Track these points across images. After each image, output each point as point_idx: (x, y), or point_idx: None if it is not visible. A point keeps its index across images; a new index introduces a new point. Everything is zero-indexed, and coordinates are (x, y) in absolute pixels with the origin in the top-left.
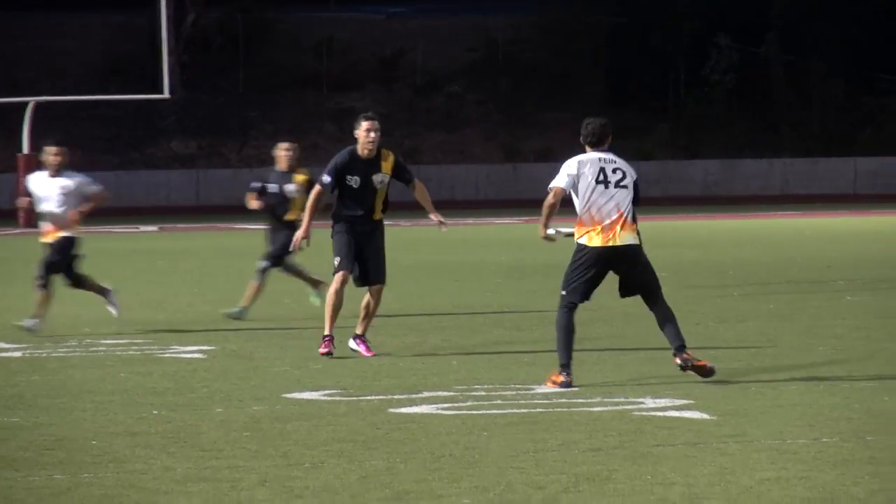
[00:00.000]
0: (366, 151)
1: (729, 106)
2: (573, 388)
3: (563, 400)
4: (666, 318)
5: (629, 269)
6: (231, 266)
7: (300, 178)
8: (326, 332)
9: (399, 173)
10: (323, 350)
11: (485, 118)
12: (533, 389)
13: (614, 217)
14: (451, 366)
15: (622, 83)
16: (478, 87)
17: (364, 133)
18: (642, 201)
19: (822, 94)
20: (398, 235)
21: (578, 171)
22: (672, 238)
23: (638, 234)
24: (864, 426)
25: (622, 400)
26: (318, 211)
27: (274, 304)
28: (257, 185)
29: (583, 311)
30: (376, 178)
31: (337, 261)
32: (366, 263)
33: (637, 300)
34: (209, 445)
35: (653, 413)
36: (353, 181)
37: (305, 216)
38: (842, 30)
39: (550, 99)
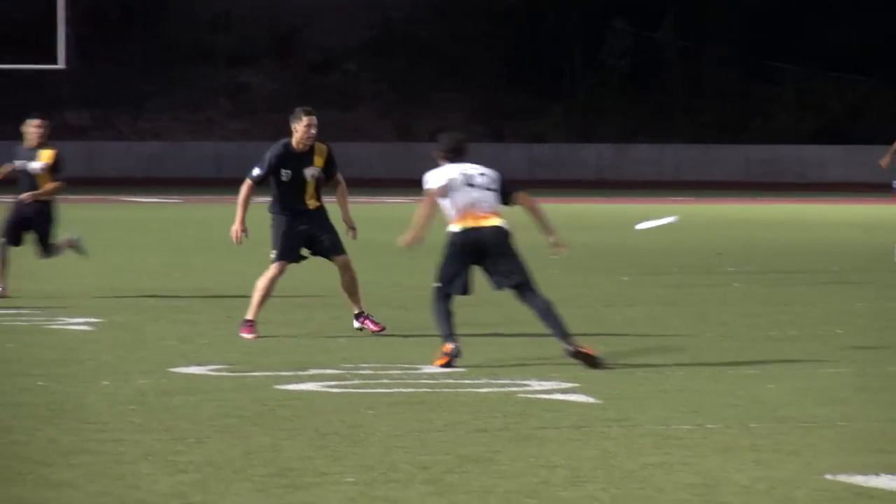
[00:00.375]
0: (301, 145)
1: (623, 90)
2: (460, 369)
3: (450, 381)
4: (543, 309)
5: (496, 254)
6: (122, 238)
7: (45, 155)
8: (250, 316)
9: (328, 167)
10: (248, 335)
11: (379, 97)
12: (419, 369)
13: (485, 210)
14: (339, 344)
15: (517, 65)
16: (373, 66)
17: (304, 128)
18: (530, 185)
19: (716, 81)
20: None
21: (446, 177)
22: (563, 221)
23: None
24: (748, 413)
25: (508, 382)
26: (249, 203)
27: (163, 277)
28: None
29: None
30: (308, 171)
31: (274, 253)
32: (319, 242)
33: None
34: (94, 418)
35: (538, 395)
36: (285, 174)
37: (238, 210)
38: (736, 17)
39: (445, 79)
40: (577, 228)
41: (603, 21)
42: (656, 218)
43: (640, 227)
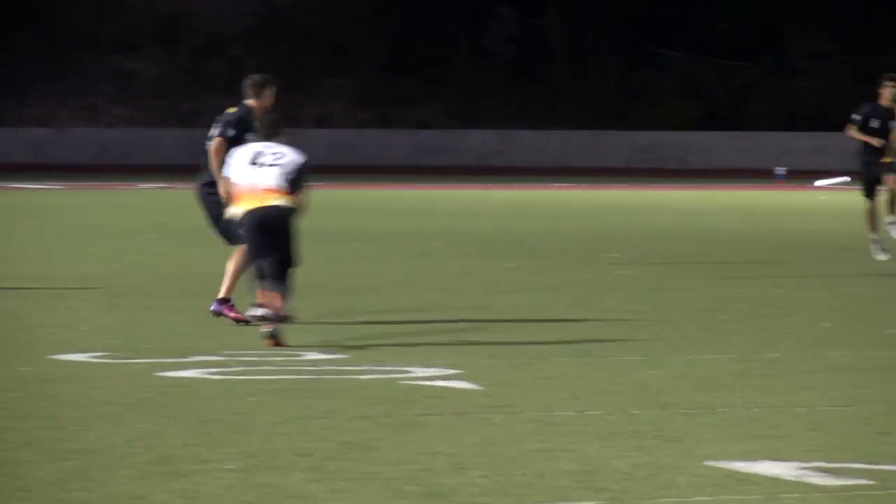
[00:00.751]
0: (260, 113)
1: (508, 77)
2: (342, 356)
3: (332, 367)
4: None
5: (276, 230)
6: (4, 225)
7: None
8: (228, 295)
9: None
10: (231, 315)
11: None
12: (302, 356)
13: (264, 188)
14: (222, 331)
15: (402, 51)
16: (258, 52)
17: (274, 95)
18: (415, 171)
19: (600, 68)
20: (175, 198)
21: (238, 158)
22: (447, 208)
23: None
24: (630, 400)
25: (391, 369)
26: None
27: (45, 264)
28: None
29: (353, 280)
30: None
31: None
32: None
33: (412, 269)
34: None
35: (421, 382)
36: (252, 138)
37: (217, 172)
38: (621, 4)
39: (330, 65)
40: (461, 215)
41: (487, 7)
42: (832, 177)
43: (818, 183)
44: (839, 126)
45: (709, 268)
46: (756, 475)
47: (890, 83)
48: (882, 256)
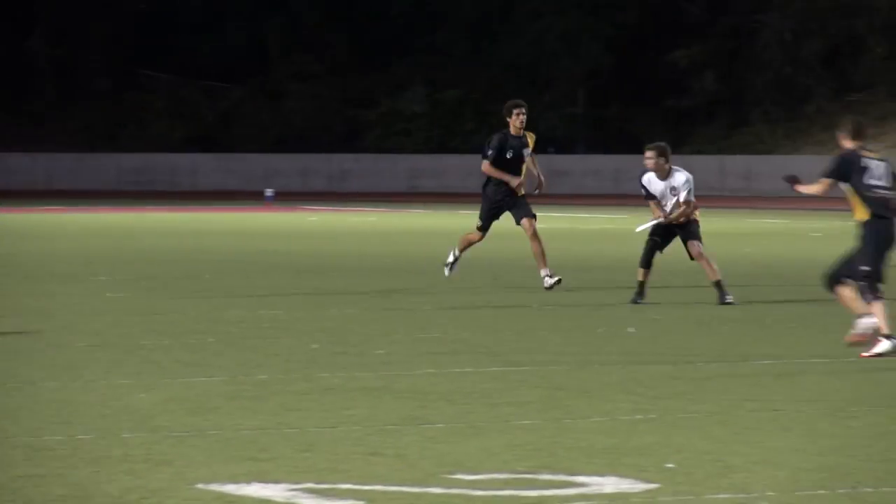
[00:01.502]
0: None
1: None
2: None
3: None
4: None
5: None
6: None
7: None
8: None
9: None
10: None
11: None
12: None
13: None
14: None
15: None
16: None
17: None
18: None
19: (88, 90)
20: None
21: None
22: None
23: None
24: (120, 423)
25: None
26: None
27: None
28: None
29: None
30: None
31: None
32: None
33: None
34: None
35: None
36: None
37: None
38: (108, 26)
39: None
40: None
41: None
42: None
43: (639, 228)
44: (327, 147)
45: (199, 290)
46: (246, 497)
47: (518, 110)
48: (449, 273)
